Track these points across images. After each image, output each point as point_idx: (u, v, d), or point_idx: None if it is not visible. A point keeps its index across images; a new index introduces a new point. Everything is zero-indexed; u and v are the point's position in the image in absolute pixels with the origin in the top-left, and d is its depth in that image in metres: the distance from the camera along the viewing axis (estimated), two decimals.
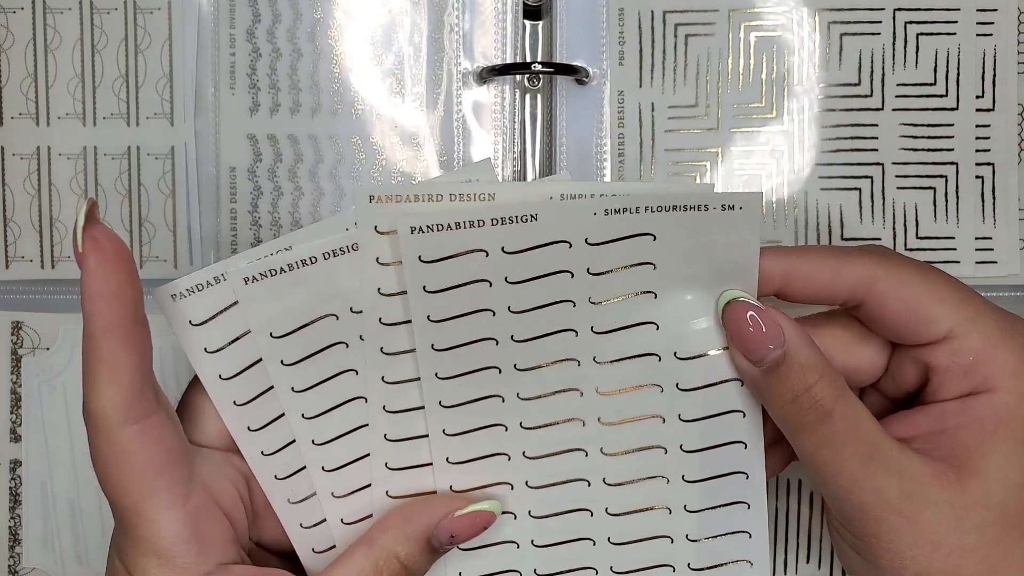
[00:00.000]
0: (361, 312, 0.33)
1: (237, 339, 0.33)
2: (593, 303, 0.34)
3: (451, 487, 0.36)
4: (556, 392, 0.35)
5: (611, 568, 0.37)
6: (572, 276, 0.33)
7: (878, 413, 0.35)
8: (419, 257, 0.32)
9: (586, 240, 0.33)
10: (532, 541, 0.37)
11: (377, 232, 0.32)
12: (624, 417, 0.35)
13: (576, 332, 0.34)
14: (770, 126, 0.43)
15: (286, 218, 0.43)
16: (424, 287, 0.33)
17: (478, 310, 0.33)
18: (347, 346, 0.34)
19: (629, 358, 0.35)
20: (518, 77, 0.44)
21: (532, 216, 0.32)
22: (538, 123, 0.44)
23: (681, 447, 0.36)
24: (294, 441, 0.35)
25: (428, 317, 0.33)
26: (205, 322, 0.33)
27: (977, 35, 0.43)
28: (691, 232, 0.33)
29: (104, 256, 0.30)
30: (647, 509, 0.36)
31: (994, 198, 0.43)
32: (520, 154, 0.44)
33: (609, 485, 0.36)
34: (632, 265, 0.33)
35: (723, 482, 0.36)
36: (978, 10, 0.43)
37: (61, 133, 0.44)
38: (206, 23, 0.43)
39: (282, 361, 0.34)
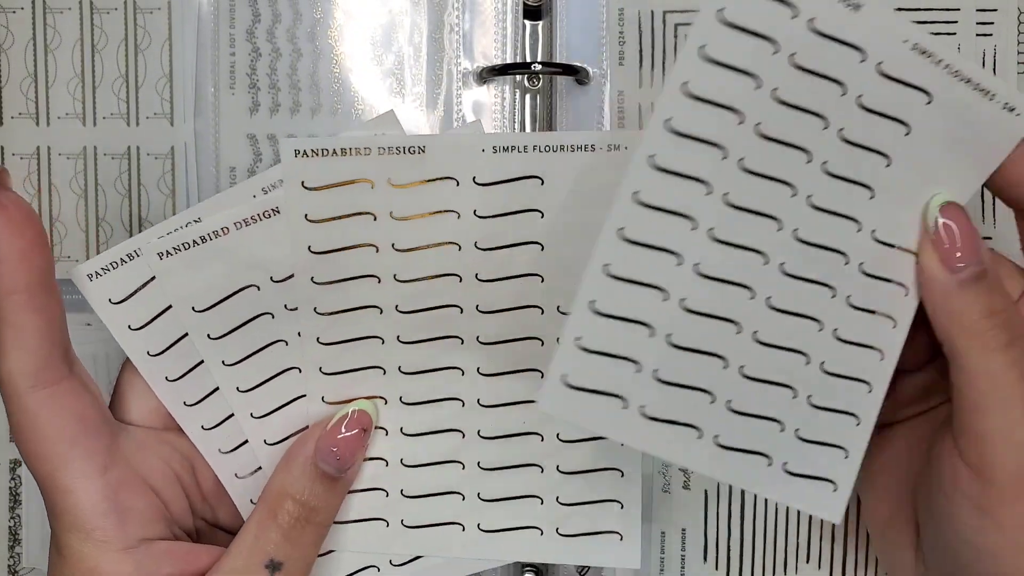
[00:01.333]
0: (282, 281, 0.33)
1: (161, 314, 0.33)
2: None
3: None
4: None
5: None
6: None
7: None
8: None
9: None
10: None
11: (304, 188, 0.32)
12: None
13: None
14: None
15: None
16: (306, 215, 0.32)
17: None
18: (272, 316, 0.33)
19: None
20: (518, 77, 0.44)
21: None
22: (538, 123, 0.44)
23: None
24: (232, 416, 0.35)
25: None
26: (125, 299, 0.33)
27: (977, 35, 0.43)
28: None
29: (9, 219, 0.30)
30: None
31: (993, 198, 0.43)
32: None
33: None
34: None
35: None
36: (978, 10, 0.43)
37: (61, 133, 0.44)
38: (206, 23, 0.43)
39: (208, 335, 0.33)
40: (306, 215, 0.32)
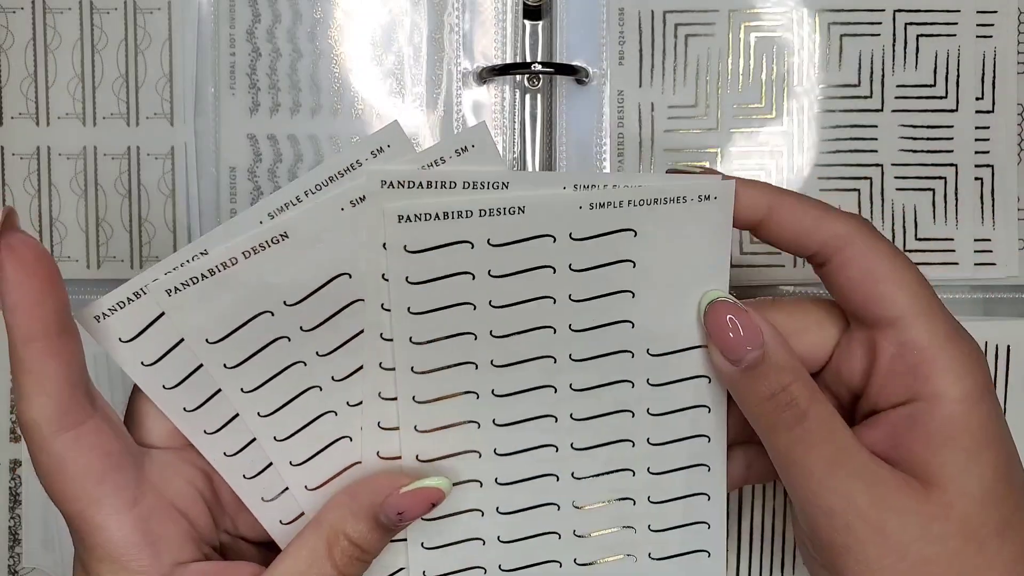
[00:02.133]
0: (296, 304, 0.33)
1: (173, 348, 0.33)
2: (573, 300, 0.34)
3: (417, 456, 0.36)
4: (530, 389, 0.35)
5: (575, 560, 0.37)
6: (554, 272, 0.33)
7: None
8: (404, 247, 0.32)
9: (570, 235, 0.33)
10: (499, 538, 0.37)
11: (406, 252, 0.32)
12: (595, 412, 0.36)
13: (554, 329, 0.34)
14: (770, 126, 0.43)
15: None
16: (407, 278, 0.33)
17: (459, 303, 0.33)
18: (289, 340, 0.33)
19: (603, 356, 0.35)
20: (518, 77, 0.44)
21: (520, 208, 0.32)
22: (538, 123, 0.44)
23: (648, 440, 0.36)
24: (254, 441, 0.35)
25: (408, 309, 0.33)
26: (135, 337, 0.33)
27: (977, 36, 0.43)
28: (669, 227, 0.33)
29: (21, 264, 0.29)
30: (613, 500, 0.37)
31: (993, 199, 0.43)
32: (520, 154, 0.44)
33: (577, 479, 0.36)
34: (612, 263, 0.34)
35: (686, 474, 0.36)
36: (978, 12, 0.43)
37: (61, 133, 0.44)
38: (206, 23, 0.43)
39: (224, 365, 0.33)
40: (407, 278, 0.33)
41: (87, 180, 0.44)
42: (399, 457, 0.35)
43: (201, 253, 0.32)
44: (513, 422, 0.36)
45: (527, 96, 0.44)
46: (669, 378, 0.35)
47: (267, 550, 0.37)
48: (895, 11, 0.43)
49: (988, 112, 0.43)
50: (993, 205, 0.43)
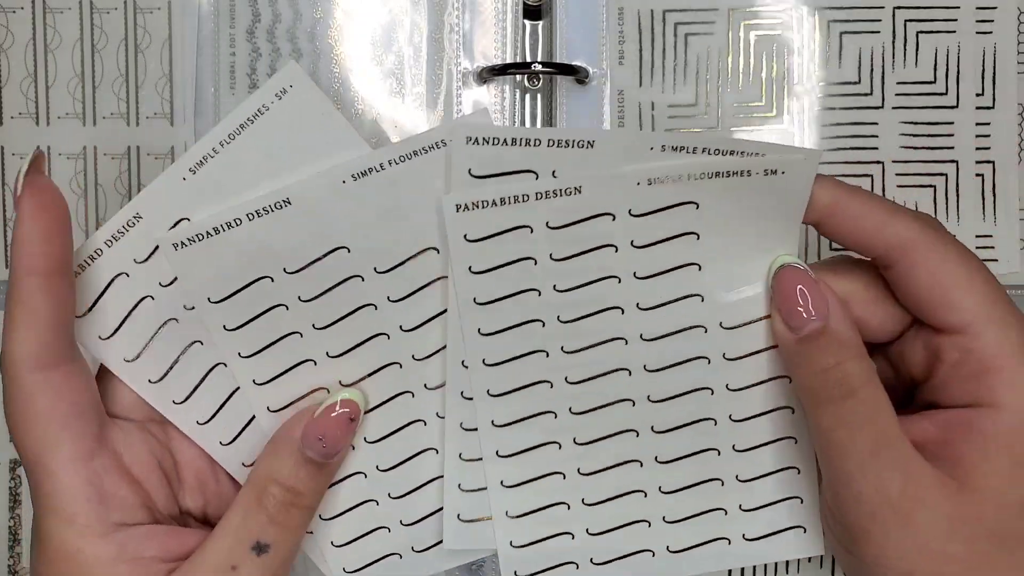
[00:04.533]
0: (295, 273, 0.33)
1: (126, 318, 0.33)
2: (638, 278, 0.34)
3: (502, 482, 0.36)
4: (604, 374, 0.35)
5: (667, 548, 0.37)
6: (616, 250, 0.33)
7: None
8: (464, 236, 0.32)
9: (629, 211, 0.32)
10: (587, 530, 0.37)
11: (467, 241, 0.32)
12: (673, 392, 0.35)
13: (622, 310, 0.34)
14: (770, 125, 0.43)
15: None
16: (470, 268, 0.33)
17: (524, 290, 0.33)
18: (287, 308, 0.34)
19: (675, 332, 0.34)
20: (518, 77, 0.44)
21: (576, 188, 0.32)
22: (538, 123, 0.44)
23: (730, 417, 0.36)
24: (224, 405, 0.35)
25: (474, 300, 0.33)
26: (88, 311, 0.33)
27: (977, 33, 0.43)
28: (735, 198, 0.32)
29: (40, 202, 0.30)
30: (700, 483, 0.36)
31: (994, 196, 0.43)
32: None
33: (661, 463, 0.36)
34: (676, 236, 0.33)
35: (774, 448, 0.36)
36: (978, 8, 0.43)
37: (61, 133, 0.44)
38: (206, 23, 0.43)
39: (224, 326, 0.33)
40: (470, 267, 0.33)
41: (87, 180, 0.44)
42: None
43: (135, 217, 0.32)
44: (589, 410, 0.35)
45: (527, 96, 0.44)
46: (745, 351, 0.35)
47: None
48: (895, 8, 0.43)
49: (989, 108, 0.43)
50: (994, 202, 0.43)
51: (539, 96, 0.44)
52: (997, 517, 0.31)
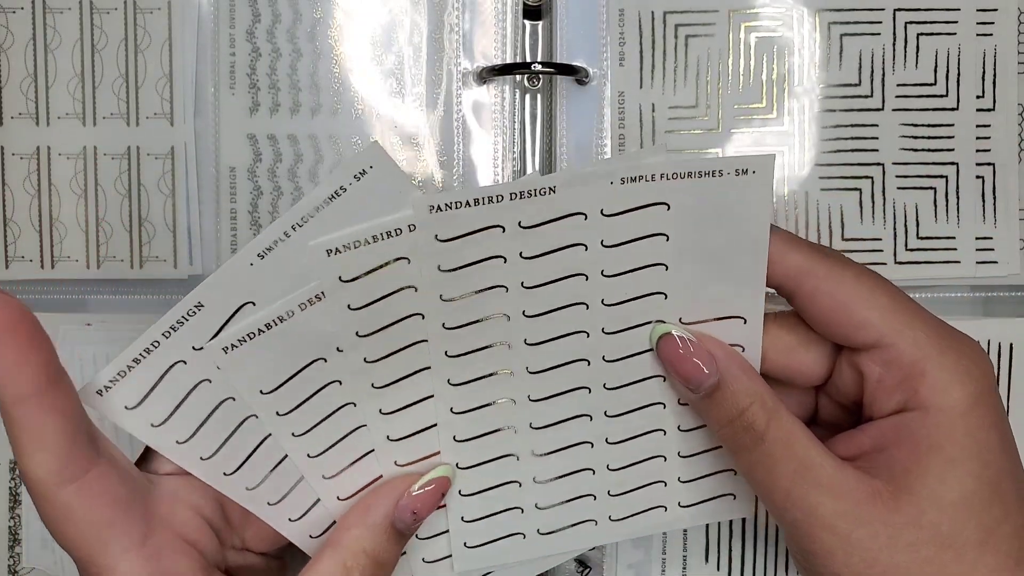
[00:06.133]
0: (351, 350, 0.33)
1: (180, 405, 0.33)
2: (605, 276, 0.34)
3: (457, 464, 0.36)
4: (564, 364, 0.35)
5: (609, 517, 0.38)
6: (586, 249, 0.33)
7: (834, 421, 0.36)
8: (436, 236, 0.32)
9: (601, 211, 0.32)
10: (536, 504, 0.38)
11: (437, 240, 0.32)
12: (628, 380, 0.36)
13: (587, 305, 0.34)
14: (770, 126, 0.43)
15: None
16: (439, 266, 0.32)
17: (492, 287, 0.33)
18: (340, 384, 0.34)
19: (637, 326, 0.35)
20: (518, 77, 0.44)
21: (550, 188, 0.32)
22: (538, 123, 0.44)
23: (678, 401, 0.36)
24: (277, 467, 0.35)
25: (440, 296, 0.33)
26: (141, 402, 0.32)
27: (977, 35, 0.43)
28: (705, 200, 0.33)
29: (5, 324, 0.29)
30: (645, 460, 0.37)
31: (994, 198, 0.43)
32: (520, 154, 0.44)
33: (611, 444, 0.37)
34: (645, 236, 0.33)
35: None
36: (978, 10, 0.43)
37: (61, 133, 0.44)
38: (206, 23, 0.43)
39: (277, 412, 0.33)
40: (439, 266, 0.32)
41: (87, 180, 0.44)
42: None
43: (197, 306, 0.32)
44: (548, 396, 0.36)
45: (527, 96, 0.44)
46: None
47: (271, 558, 0.37)
48: (895, 10, 0.43)
49: (989, 110, 0.43)
50: (994, 204, 0.43)
51: (539, 96, 0.44)
52: (938, 520, 0.31)
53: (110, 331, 0.44)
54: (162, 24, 0.43)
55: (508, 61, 0.43)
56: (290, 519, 0.35)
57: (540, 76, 0.43)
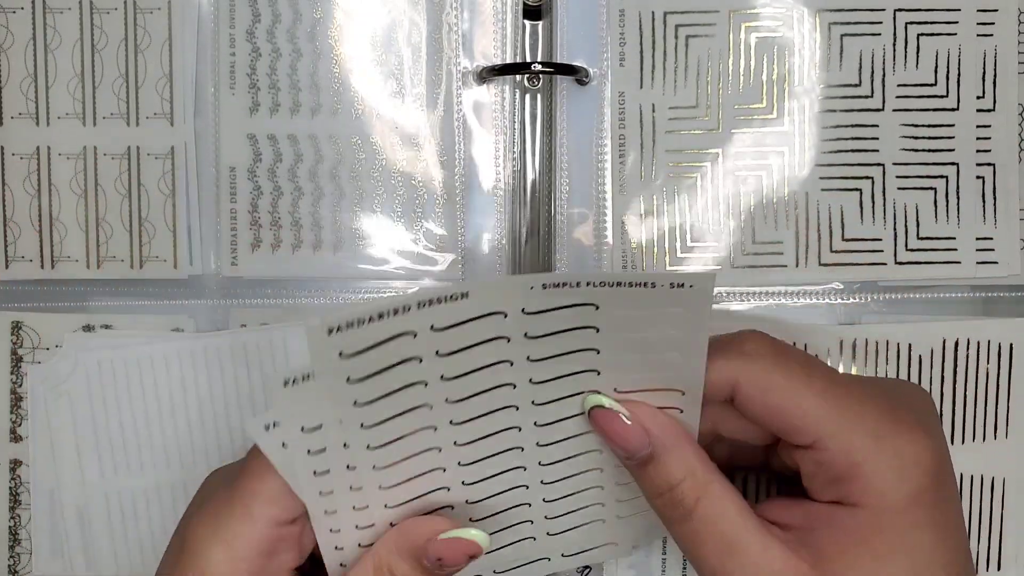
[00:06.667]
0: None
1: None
2: (532, 360, 0.32)
3: (379, 485, 0.34)
4: (496, 432, 0.34)
5: (545, 516, 0.38)
6: (508, 341, 0.31)
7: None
8: (339, 353, 0.29)
9: (523, 310, 0.31)
10: (471, 518, 0.37)
11: (341, 357, 0.29)
12: (560, 437, 0.35)
13: (514, 385, 0.33)
14: (771, 127, 0.43)
15: (286, 218, 0.43)
16: (347, 379, 0.30)
17: (409, 384, 0.31)
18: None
19: (569, 396, 0.34)
20: (518, 77, 0.44)
21: (462, 294, 0.30)
22: (538, 123, 0.44)
23: (616, 482, 0.37)
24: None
25: (355, 402, 0.31)
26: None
27: (977, 35, 0.43)
28: (638, 305, 0.31)
29: None
30: (582, 507, 0.38)
31: (995, 198, 0.43)
32: (520, 154, 0.44)
33: (545, 484, 0.37)
34: (573, 328, 0.32)
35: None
36: (978, 10, 0.43)
37: (61, 133, 0.44)
38: (206, 23, 0.43)
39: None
40: (348, 378, 0.30)
41: (87, 180, 0.44)
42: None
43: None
44: (482, 479, 0.35)
45: (527, 96, 0.44)
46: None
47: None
48: (895, 10, 0.43)
49: (989, 111, 0.43)
50: (995, 204, 0.43)
51: (539, 96, 0.44)
52: None
53: (114, 336, 0.44)
54: (162, 24, 0.43)
55: (508, 61, 0.43)
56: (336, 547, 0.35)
57: (540, 76, 0.43)
